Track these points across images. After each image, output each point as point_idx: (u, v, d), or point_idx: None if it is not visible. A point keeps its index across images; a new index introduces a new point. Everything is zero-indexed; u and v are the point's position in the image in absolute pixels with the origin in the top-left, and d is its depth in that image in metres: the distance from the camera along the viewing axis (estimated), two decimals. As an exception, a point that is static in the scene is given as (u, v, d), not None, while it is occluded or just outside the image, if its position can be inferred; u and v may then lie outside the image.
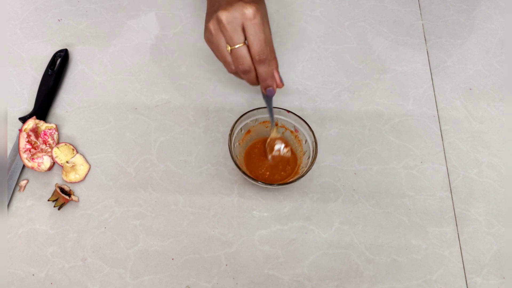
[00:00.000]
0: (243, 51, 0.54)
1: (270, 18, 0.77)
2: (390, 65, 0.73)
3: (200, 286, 0.56)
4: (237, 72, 0.57)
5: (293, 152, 0.64)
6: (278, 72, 0.57)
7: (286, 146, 0.62)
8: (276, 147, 0.62)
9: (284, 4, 0.79)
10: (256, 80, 0.57)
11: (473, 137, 0.67)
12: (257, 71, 0.55)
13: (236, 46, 0.54)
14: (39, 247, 0.58)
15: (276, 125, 0.64)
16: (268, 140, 0.62)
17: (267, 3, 0.79)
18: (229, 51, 0.55)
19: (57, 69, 0.68)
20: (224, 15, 0.52)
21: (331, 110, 0.69)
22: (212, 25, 0.54)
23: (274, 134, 0.62)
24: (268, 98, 0.59)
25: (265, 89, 0.57)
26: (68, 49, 0.72)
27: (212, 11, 0.56)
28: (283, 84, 0.58)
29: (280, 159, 0.63)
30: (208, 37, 0.56)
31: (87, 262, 0.57)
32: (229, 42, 0.54)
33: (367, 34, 0.76)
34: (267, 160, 0.63)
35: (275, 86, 0.57)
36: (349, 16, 0.78)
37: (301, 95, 0.70)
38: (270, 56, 0.55)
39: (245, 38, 0.54)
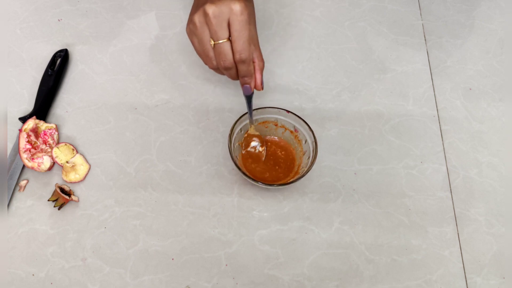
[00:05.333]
0: (226, 47, 0.54)
1: (270, 18, 0.77)
2: (390, 65, 0.74)
3: (200, 286, 0.56)
4: (218, 67, 0.56)
5: (292, 152, 0.64)
6: (262, 75, 0.57)
7: (262, 146, 0.63)
8: (252, 143, 0.63)
9: (284, 4, 0.79)
10: (237, 76, 0.57)
11: (473, 137, 0.67)
12: (238, 68, 0.55)
13: (220, 41, 0.53)
14: (39, 247, 0.58)
15: (276, 125, 0.64)
16: (245, 135, 0.63)
17: (267, 3, 0.79)
18: (212, 45, 0.54)
19: (57, 69, 0.68)
20: (211, 9, 0.52)
21: (331, 110, 0.69)
22: (198, 18, 0.53)
23: (251, 130, 0.62)
24: (247, 95, 0.59)
25: (242, 85, 0.57)
26: (68, 49, 0.72)
27: (199, 4, 0.55)
28: (262, 88, 0.58)
29: (275, 157, 0.63)
30: (192, 29, 0.55)
31: (87, 262, 0.57)
32: (213, 36, 0.53)
33: (367, 34, 0.76)
34: (265, 160, 0.63)
35: (253, 85, 0.57)
36: (349, 16, 0.78)
37: (301, 95, 0.70)
38: (252, 55, 0.55)
39: (229, 34, 0.53)
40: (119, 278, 0.56)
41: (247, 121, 0.62)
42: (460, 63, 0.74)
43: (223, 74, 0.58)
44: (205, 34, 0.54)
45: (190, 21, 0.55)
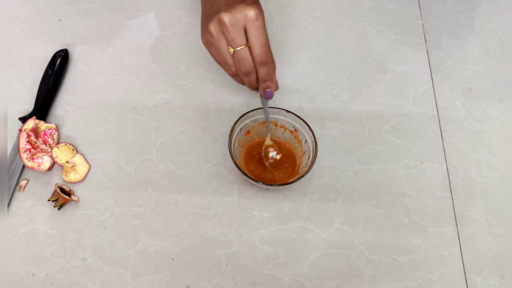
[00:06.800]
0: (246, 53, 0.54)
1: (270, 18, 0.77)
2: (390, 65, 0.74)
3: (200, 286, 0.56)
4: (238, 74, 0.57)
5: (292, 152, 0.64)
6: (275, 76, 0.58)
7: (278, 153, 0.63)
8: (270, 154, 0.63)
9: (284, 4, 0.79)
10: (256, 83, 0.57)
11: (473, 137, 0.67)
12: (258, 72, 0.56)
13: (239, 48, 0.54)
14: (39, 247, 0.58)
15: (276, 125, 0.64)
16: (263, 147, 0.63)
17: (267, 3, 0.79)
18: (231, 53, 0.55)
19: (57, 69, 0.68)
20: (227, 17, 0.52)
21: (331, 110, 0.69)
22: (213, 27, 0.54)
23: (267, 141, 0.63)
24: (265, 101, 0.59)
25: (264, 90, 0.57)
26: (68, 49, 0.72)
27: (210, 13, 0.55)
28: (278, 88, 0.58)
29: (277, 162, 0.63)
30: (208, 39, 0.56)
31: (87, 262, 0.57)
32: (231, 44, 0.54)
33: (367, 34, 0.76)
34: (267, 164, 0.63)
35: (273, 88, 0.58)
36: (349, 16, 0.78)
37: (301, 95, 0.70)
38: (270, 58, 0.55)
39: (247, 40, 0.54)
40: (119, 278, 0.56)
41: (247, 121, 0.62)
42: (460, 63, 0.74)
43: (242, 82, 0.58)
44: (223, 43, 0.55)
45: (206, 30, 0.55)
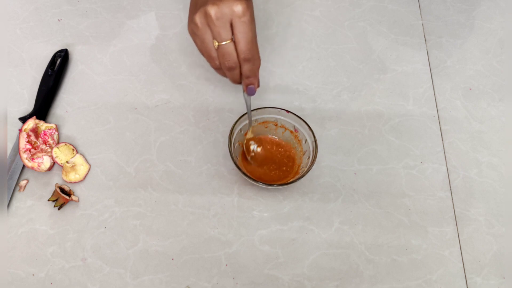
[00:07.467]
0: (230, 48, 0.53)
1: (270, 18, 0.77)
2: (390, 65, 0.74)
3: (200, 286, 0.56)
4: (221, 68, 0.56)
5: (292, 152, 0.64)
6: (258, 72, 0.57)
7: (259, 146, 0.63)
8: (251, 147, 0.63)
9: (284, 4, 0.79)
10: (239, 78, 0.57)
11: (473, 137, 0.67)
12: (242, 68, 0.55)
13: (223, 43, 0.53)
14: (39, 247, 0.58)
15: (276, 125, 0.64)
16: (244, 141, 0.63)
17: (267, 3, 0.79)
18: (216, 46, 0.54)
19: (57, 69, 0.68)
20: (213, 10, 0.51)
21: (331, 110, 0.69)
22: (199, 18, 0.53)
23: (249, 135, 0.63)
24: (248, 97, 0.59)
25: (246, 86, 0.57)
26: (68, 49, 0.72)
27: (198, 3, 0.54)
28: (259, 85, 0.58)
29: (276, 158, 0.63)
30: (193, 30, 0.55)
31: (87, 262, 0.57)
32: (216, 37, 0.53)
33: (367, 34, 0.76)
34: (265, 160, 0.63)
35: (256, 85, 0.57)
36: (349, 16, 0.78)
37: (301, 95, 0.70)
38: (255, 54, 0.55)
39: (232, 35, 0.53)
40: (119, 278, 0.56)
41: (247, 121, 0.62)
42: (460, 63, 0.74)
43: (224, 75, 0.58)
44: (208, 35, 0.54)
45: (191, 21, 0.55)
